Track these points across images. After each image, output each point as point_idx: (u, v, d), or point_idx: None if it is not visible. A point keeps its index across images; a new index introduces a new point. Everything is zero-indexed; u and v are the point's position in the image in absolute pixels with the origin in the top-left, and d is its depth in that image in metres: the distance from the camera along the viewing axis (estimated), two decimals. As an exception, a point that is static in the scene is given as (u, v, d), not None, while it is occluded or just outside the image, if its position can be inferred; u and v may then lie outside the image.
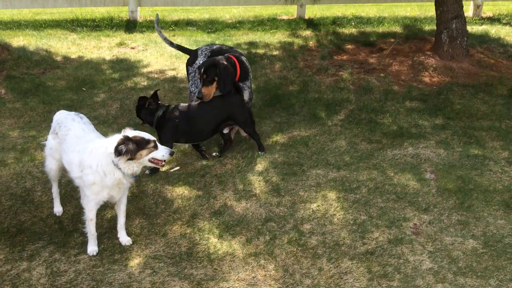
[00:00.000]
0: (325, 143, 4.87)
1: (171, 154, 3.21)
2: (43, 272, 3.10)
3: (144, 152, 3.06)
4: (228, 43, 8.05)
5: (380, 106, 5.67)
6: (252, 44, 8.08)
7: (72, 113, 3.56)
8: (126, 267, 3.19)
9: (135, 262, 3.25)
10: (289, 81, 6.46)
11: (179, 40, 8.29)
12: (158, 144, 3.16)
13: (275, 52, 7.62)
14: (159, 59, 7.35)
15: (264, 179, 4.23)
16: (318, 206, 3.87)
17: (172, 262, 3.26)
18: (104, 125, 5.16)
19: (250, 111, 4.64)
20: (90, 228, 3.27)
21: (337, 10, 10.31)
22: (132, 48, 7.91)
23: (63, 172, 3.60)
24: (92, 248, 3.30)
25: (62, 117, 3.50)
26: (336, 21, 9.31)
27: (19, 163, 4.34)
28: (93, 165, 3.07)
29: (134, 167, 3.11)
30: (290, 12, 9.97)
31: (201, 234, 3.55)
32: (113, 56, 7.46)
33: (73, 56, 7.33)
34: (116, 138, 3.08)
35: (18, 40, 7.69)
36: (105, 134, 4.93)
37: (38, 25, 8.86)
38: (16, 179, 4.09)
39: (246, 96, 4.61)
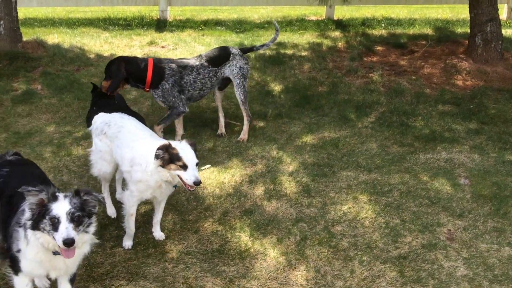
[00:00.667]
0: (356, 145, 4.84)
1: (196, 182, 3.05)
2: (80, 263, 3.18)
3: (172, 166, 3.05)
4: (256, 43, 8.06)
5: (411, 109, 5.60)
6: (280, 44, 8.07)
7: (115, 113, 3.64)
8: (160, 261, 3.25)
9: (168, 256, 3.30)
10: (318, 82, 6.44)
11: (207, 40, 8.38)
12: (189, 168, 3.05)
13: (304, 53, 7.60)
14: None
15: (295, 179, 4.24)
16: (349, 208, 3.86)
17: (204, 258, 3.30)
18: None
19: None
20: (130, 223, 3.33)
21: (366, 11, 10.21)
22: (162, 47, 8.01)
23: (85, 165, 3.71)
24: (128, 242, 3.38)
25: (109, 117, 3.57)
26: (366, 22, 9.22)
27: (56, 157, 4.46)
28: (143, 164, 3.14)
29: (165, 175, 3.11)
30: (318, 13, 9.93)
31: (232, 232, 3.58)
32: (144, 54, 7.56)
33: (106, 54, 7.46)
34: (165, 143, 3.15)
35: (53, 37, 7.89)
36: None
37: (72, 23, 9.06)
38: (54, 172, 4.20)
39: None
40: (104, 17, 9.41)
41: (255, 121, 5.36)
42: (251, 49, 5.34)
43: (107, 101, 4.45)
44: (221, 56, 4.87)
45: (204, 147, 4.75)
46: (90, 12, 9.87)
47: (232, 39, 8.37)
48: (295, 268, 3.24)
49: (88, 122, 4.11)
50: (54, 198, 2.32)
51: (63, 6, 9.90)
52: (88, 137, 4.87)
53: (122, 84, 4.63)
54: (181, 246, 3.40)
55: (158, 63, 4.63)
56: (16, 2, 6.71)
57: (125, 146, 3.30)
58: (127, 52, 7.64)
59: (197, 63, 4.73)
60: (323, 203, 3.93)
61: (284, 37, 8.50)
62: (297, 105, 5.78)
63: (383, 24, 9.13)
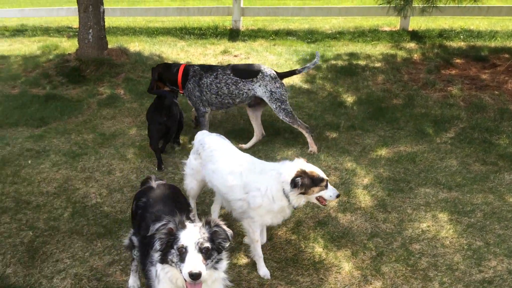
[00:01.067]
0: (434, 161, 4.67)
1: (338, 196, 3.11)
2: (160, 262, 3.32)
3: (316, 189, 3.02)
4: (327, 53, 8.06)
5: (495, 125, 5.31)
6: (352, 55, 7.99)
7: (213, 134, 3.61)
8: (235, 265, 3.31)
9: (243, 261, 3.35)
10: (393, 94, 6.30)
11: (279, 49, 8.47)
12: (328, 184, 3.10)
13: (377, 64, 7.46)
14: (261, 67, 7.54)
15: (369, 193, 4.16)
16: (428, 226, 3.72)
17: (278, 266, 3.32)
18: (210, 129, 5.40)
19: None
20: (257, 249, 3.23)
21: (443, 22, 9.85)
22: (235, 56, 8.21)
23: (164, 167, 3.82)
24: (264, 270, 3.23)
25: (203, 137, 3.52)
26: (443, 34, 8.89)
27: (138, 159, 4.70)
28: (262, 188, 3.04)
29: (302, 201, 3.08)
30: (392, 23, 9.72)
31: (306, 242, 3.57)
32: (218, 63, 7.79)
33: (182, 62, 7.76)
34: (290, 166, 3.05)
35: (134, 45, 8.35)
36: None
37: (151, 32, 9.54)
38: (136, 173, 4.43)
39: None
40: (180, 26, 9.82)
41: (327, 132, 5.34)
42: (293, 72, 5.10)
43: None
44: (248, 70, 4.90)
45: (276, 156, 4.80)
46: (168, 22, 10.35)
47: (303, 49, 8.40)
48: (370, 284, 3.17)
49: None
50: (183, 227, 2.17)
51: (143, 16, 10.47)
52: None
53: (162, 85, 5.14)
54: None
55: (188, 67, 5.01)
56: (103, 12, 7.17)
57: (228, 173, 3.18)
58: (201, 61, 7.92)
59: (219, 69, 4.93)
60: (400, 219, 3.82)
61: (357, 47, 8.40)
62: (370, 117, 5.69)
63: (461, 36, 8.75)
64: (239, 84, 4.84)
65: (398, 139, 5.15)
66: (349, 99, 6.24)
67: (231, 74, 4.86)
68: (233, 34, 9.40)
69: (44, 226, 3.66)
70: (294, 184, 2.95)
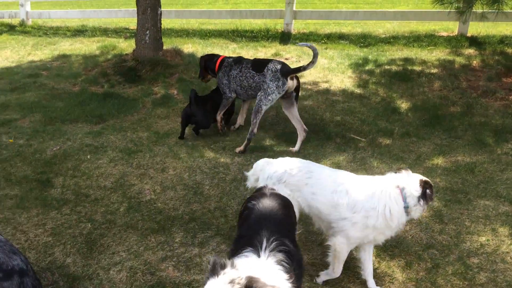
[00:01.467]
0: (494, 172, 4.45)
1: None
2: (211, 260, 3.36)
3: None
4: (381, 58, 7.90)
5: (562, 137, 5.00)
6: (407, 60, 7.78)
7: (280, 159, 3.30)
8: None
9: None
10: (450, 102, 6.07)
11: (330, 53, 8.38)
12: None
13: (434, 70, 7.22)
14: (312, 71, 7.49)
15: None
16: (487, 240, 3.55)
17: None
18: (261, 130, 5.43)
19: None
20: (339, 268, 3.10)
21: (505, 28, 9.39)
22: (286, 59, 8.20)
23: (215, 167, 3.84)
24: (324, 278, 3.15)
25: (287, 164, 3.20)
26: (505, 40, 8.47)
27: (190, 158, 4.80)
28: (379, 207, 2.87)
29: (423, 212, 2.98)
30: (450, 28, 9.38)
31: (357, 249, 3.50)
32: (269, 65, 7.82)
33: (234, 64, 7.86)
34: (409, 179, 2.91)
35: (187, 47, 8.54)
36: (262, 139, 5.20)
37: (204, 34, 9.72)
38: (188, 172, 4.52)
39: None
40: (232, 29, 9.94)
41: (380, 138, 5.22)
42: (299, 69, 4.91)
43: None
44: (261, 65, 5.03)
45: (327, 160, 4.74)
46: (220, 24, 10.50)
47: (355, 53, 8.28)
48: (425, 296, 3.06)
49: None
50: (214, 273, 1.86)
51: (197, 18, 10.69)
52: (217, 141, 5.17)
53: (206, 73, 5.65)
54: (306, 256, 3.42)
55: (224, 58, 5.42)
56: (161, 14, 7.38)
57: (331, 192, 3.00)
58: (253, 63, 7.98)
59: (245, 63, 5.20)
60: (457, 231, 3.67)
61: (412, 52, 8.18)
62: (426, 125, 5.51)
63: (525, 43, 8.32)
64: (255, 78, 5.04)
65: (455, 148, 4.96)
66: (403, 105, 6.08)
67: (250, 68, 5.08)
68: (284, 37, 9.40)
69: (102, 219, 3.81)
70: (425, 197, 2.84)
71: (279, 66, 4.89)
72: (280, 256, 2.12)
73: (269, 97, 4.87)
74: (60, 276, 3.19)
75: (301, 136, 5.04)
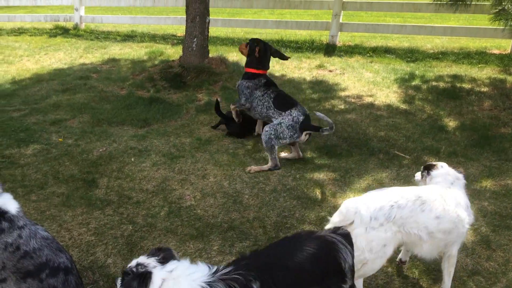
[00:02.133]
0: (548, 199, 4.22)
1: None
2: None
3: None
4: (428, 74, 7.71)
5: None
6: (456, 77, 7.55)
7: (380, 190, 3.02)
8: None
9: None
10: (501, 123, 5.83)
11: (376, 67, 8.26)
12: None
13: (484, 89, 6.97)
14: (356, 84, 7.40)
15: (472, 226, 3.85)
16: (539, 270, 3.36)
17: (368, 292, 3.19)
18: (304, 144, 5.39)
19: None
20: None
21: None
22: (330, 71, 8.15)
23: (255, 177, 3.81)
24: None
25: (389, 197, 2.86)
26: (562, 60, 8.09)
27: (231, 166, 4.82)
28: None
29: None
30: (502, 46, 9.06)
31: (398, 270, 3.39)
32: (313, 77, 7.79)
33: (277, 74, 7.89)
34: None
35: (232, 55, 8.64)
36: (304, 150, 5.15)
37: (249, 43, 9.80)
38: (228, 180, 4.54)
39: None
40: (277, 39, 9.99)
41: (426, 156, 5.07)
42: (316, 129, 4.77)
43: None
44: (285, 104, 4.89)
45: (370, 176, 4.65)
46: (265, 34, 10.57)
47: (402, 68, 8.12)
48: (469, 326, 2.92)
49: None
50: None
51: (243, 27, 10.82)
52: (258, 150, 5.18)
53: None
54: None
55: (263, 76, 5.26)
56: (209, 23, 7.52)
57: (454, 207, 2.95)
58: (296, 74, 7.97)
59: (270, 90, 5.06)
60: (506, 259, 3.49)
61: (461, 69, 7.94)
62: (474, 145, 5.30)
63: None
64: (271, 111, 4.96)
65: (505, 171, 4.74)
66: (451, 123, 5.88)
67: (272, 100, 4.97)
68: (329, 49, 9.36)
69: (143, 222, 3.88)
70: None
71: (301, 118, 4.76)
72: None
73: (280, 141, 4.77)
74: (101, 276, 3.27)
75: (292, 154, 5.06)
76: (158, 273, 2.10)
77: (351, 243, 2.44)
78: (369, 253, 2.74)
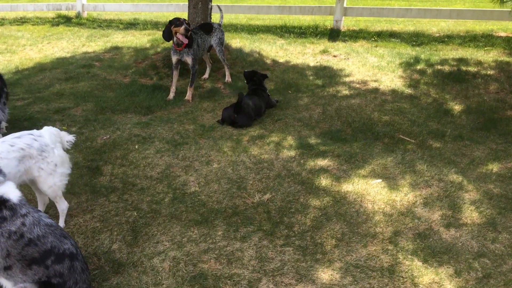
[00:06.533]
0: (556, 181, 4.18)
1: None
2: (253, 255, 3.36)
3: None
4: (434, 57, 7.62)
5: None
6: (462, 61, 7.46)
7: None
8: (328, 269, 3.23)
9: (336, 266, 3.27)
10: (507, 105, 5.76)
11: (380, 51, 8.17)
12: None
13: (490, 72, 6.89)
14: (361, 69, 7.33)
15: (477, 209, 3.83)
16: (546, 253, 3.34)
17: (374, 275, 3.18)
18: (307, 128, 5.37)
19: None
20: None
21: None
22: (334, 56, 8.08)
23: (259, 163, 3.78)
24: None
25: None
26: None
27: (235, 152, 4.81)
28: None
29: None
30: (509, 28, 8.93)
31: (404, 253, 3.38)
32: (317, 62, 7.72)
33: (281, 60, 7.83)
34: None
35: (235, 42, 8.57)
36: (308, 136, 5.14)
37: (252, 30, 9.73)
38: (232, 166, 4.53)
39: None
40: (280, 25, 9.90)
41: (431, 140, 5.02)
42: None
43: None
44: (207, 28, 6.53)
45: (375, 161, 4.62)
46: (269, 20, 10.48)
47: (407, 52, 8.03)
48: (475, 307, 2.91)
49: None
50: None
51: (246, 13, 10.71)
52: (262, 136, 5.15)
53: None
54: (349, 257, 3.34)
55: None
56: (211, 9, 7.44)
57: None
58: (300, 59, 7.90)
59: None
60: (512, 241, 3.47)
61: (467, 53, 7.84)
62: (481, 128, 5.25)
63: None
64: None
65: (512, 154, 4.70)
66: (456, 107, 5.83)
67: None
68: (333, 34, 9.26)
69: (147, 208, 3.89)
70: None
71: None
72: None
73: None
74: (106, 261, 3.28)
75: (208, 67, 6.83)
76: None
77: None
78: None
